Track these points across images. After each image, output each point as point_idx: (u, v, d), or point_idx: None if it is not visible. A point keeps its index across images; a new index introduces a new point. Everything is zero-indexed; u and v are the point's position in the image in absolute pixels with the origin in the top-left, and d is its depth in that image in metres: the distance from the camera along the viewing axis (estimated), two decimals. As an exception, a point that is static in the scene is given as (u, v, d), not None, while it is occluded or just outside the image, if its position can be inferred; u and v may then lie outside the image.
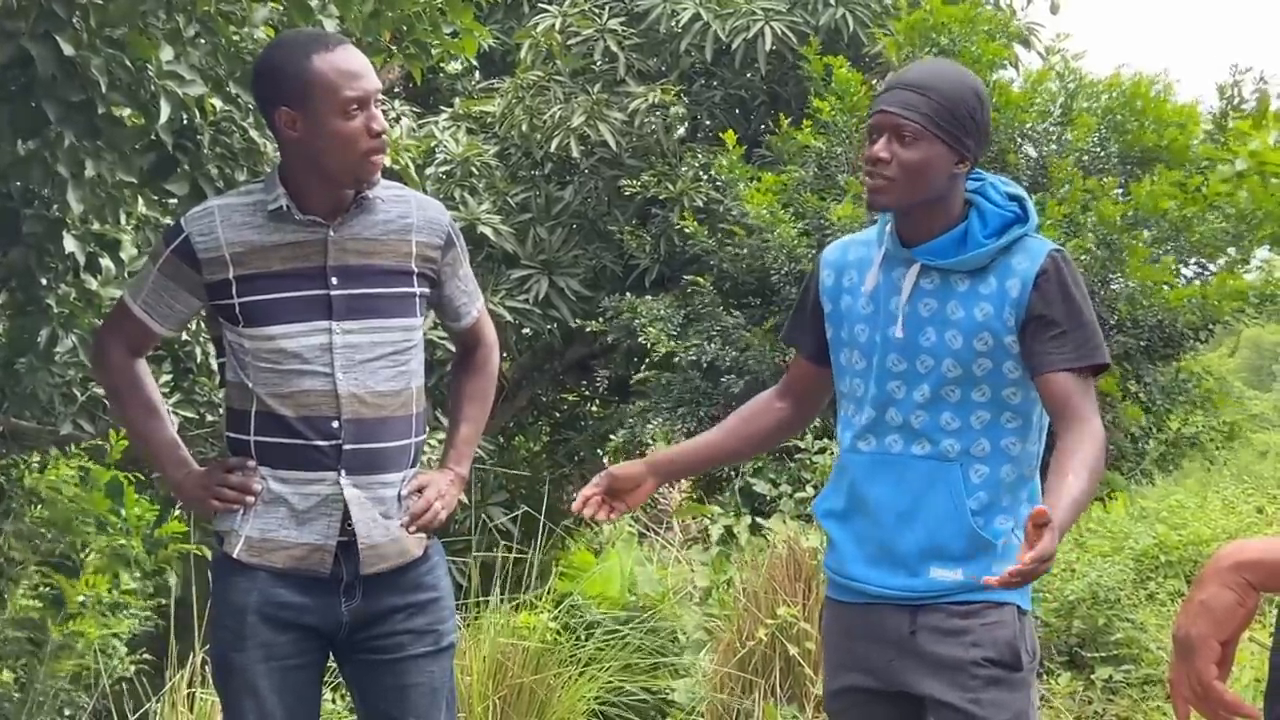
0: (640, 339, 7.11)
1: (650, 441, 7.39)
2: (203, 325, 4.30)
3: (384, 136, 2.44)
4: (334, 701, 4.66)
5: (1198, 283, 7.01)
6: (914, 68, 2.39)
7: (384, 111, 2.48)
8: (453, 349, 2.88)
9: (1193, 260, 7.15)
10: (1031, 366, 2.30)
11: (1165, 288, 6.63)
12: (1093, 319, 2.31)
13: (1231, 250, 6.96)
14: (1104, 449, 2.27)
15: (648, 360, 7.41)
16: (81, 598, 4.60)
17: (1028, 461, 2.38)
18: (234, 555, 2.47)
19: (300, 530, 2.46)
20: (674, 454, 2.75)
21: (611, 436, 8.02)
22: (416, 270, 2.53)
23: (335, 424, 2.45)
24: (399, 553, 2.51)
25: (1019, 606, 2.37)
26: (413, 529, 2.50)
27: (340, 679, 2.79)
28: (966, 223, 2.34)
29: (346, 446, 2.45)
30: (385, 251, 2.50)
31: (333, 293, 2.45)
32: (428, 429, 2.73)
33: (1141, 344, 6.65)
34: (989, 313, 2.31)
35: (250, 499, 2.46)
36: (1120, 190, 6.94)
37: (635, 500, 2.58)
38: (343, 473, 2.45)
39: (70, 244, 3.48)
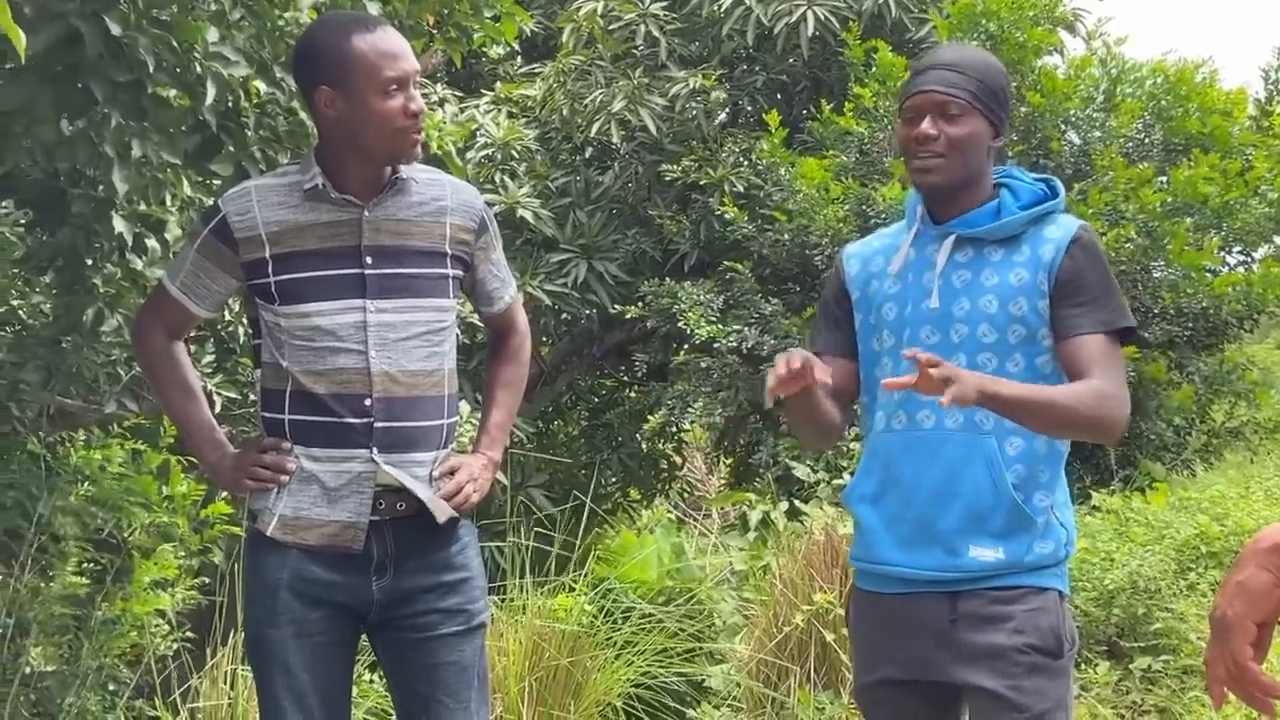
0: (680, 324, 7.11)
1: (688, 426, 7.36)
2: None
3: (421, 117, 2.46)
4: (372, 681, 4.71)
5: (1242, 270, 6.94)
6: (941, 50, 2.50)
7: (425, 95, 2.51)
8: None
9: (1236, 248, 7.07)
10: (1057, 331, 2.33)
11: (1209, 275, 6.56)
12: (1118, 288, 2.36)
13: (1277, 239, 6.89)
14: (1100, 400, 2.24)
15: (688, 345, 7.40)
16: (149, 579, 4.65)
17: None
18: (267, 533, 2.49)
19: (332, 508, 2.48)
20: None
21: (650, 416, 8.00)
22: (450, 252, 2.55)
23: (368, 401, 2.46)
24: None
25: (1060, 592, 2.36)
26: None
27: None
28: (999, 199, 2.40)
29: (378, 424, 2.46)
30: (419, 232, 2.52)
31: (367, 272, 2.47)
32: (467, 409, 2.74)
33: (1185, 333, 6.59)
34: (1024, 278, 2.34)
35: (285, 478, 2.49)
36: (1163, 178, 6.87)
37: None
38: (375, 450, 2.47)
39: (119, 224, 3.52)
